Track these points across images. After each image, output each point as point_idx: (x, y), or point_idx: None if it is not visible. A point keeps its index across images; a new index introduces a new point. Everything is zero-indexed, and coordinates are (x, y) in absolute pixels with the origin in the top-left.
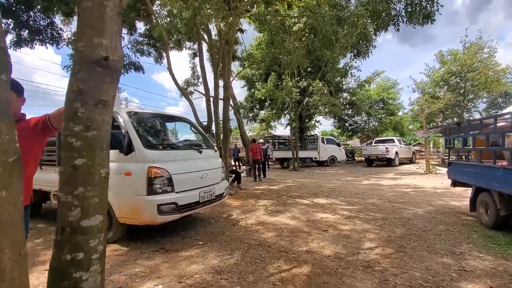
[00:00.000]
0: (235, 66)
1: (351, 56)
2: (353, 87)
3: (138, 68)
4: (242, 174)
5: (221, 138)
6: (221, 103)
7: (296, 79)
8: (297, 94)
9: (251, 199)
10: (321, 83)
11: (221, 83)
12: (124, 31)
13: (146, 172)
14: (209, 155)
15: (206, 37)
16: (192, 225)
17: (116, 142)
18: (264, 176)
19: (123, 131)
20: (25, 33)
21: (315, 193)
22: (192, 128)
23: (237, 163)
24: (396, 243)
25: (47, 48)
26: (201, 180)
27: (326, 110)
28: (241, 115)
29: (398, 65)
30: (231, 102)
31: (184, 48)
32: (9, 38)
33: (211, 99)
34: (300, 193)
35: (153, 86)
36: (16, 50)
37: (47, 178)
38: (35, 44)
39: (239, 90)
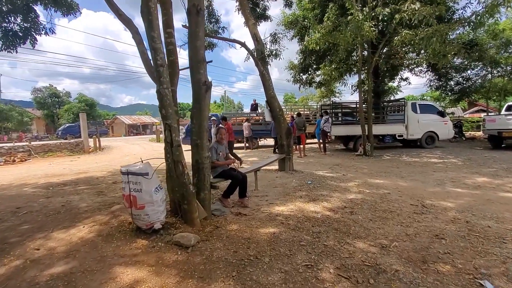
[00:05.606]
0: (280, 11)
1: None
2: (478, 12)
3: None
4: (266, 167)
5: (166, 103)
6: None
7: (370, 5)
8: (373, 29)
9: None
10: (418, 3)
11: None
12: None
13: None
14: None
15: None
16: None
17: None
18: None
19: None
20: None
21: (428, 258)
22: None
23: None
24: None
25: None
26: None
27: (428, 52)
28: (292, 77)
29: None
30: (254, 49)
31: None
32: None
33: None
34: (381, 253)
35: (222, 63)
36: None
37: None
38: None
39: (287, 43)
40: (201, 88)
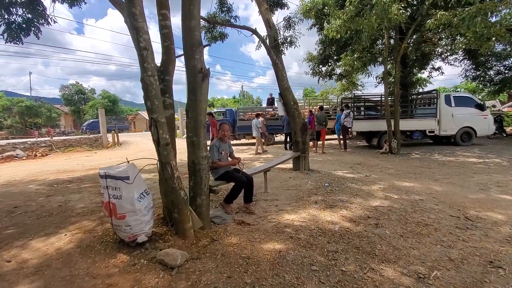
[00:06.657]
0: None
1: None
2: None
3: None
4: (280, 166)
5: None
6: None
7: None
8: (402, 11)
9: None
10: None
11: None
12: None
13: None
14: None
15: None
16: None
17: None
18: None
19: None
20: None
21: None
22: None
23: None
24: None
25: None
26: None
27: (468, 36)
28: (311, 69)
29: None
30: (265, 34)
31: None
32: None
33: None
34: (417, 287)
35: (241, 57)
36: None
37: None
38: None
39: (306, 35)
40: (196, 76)
